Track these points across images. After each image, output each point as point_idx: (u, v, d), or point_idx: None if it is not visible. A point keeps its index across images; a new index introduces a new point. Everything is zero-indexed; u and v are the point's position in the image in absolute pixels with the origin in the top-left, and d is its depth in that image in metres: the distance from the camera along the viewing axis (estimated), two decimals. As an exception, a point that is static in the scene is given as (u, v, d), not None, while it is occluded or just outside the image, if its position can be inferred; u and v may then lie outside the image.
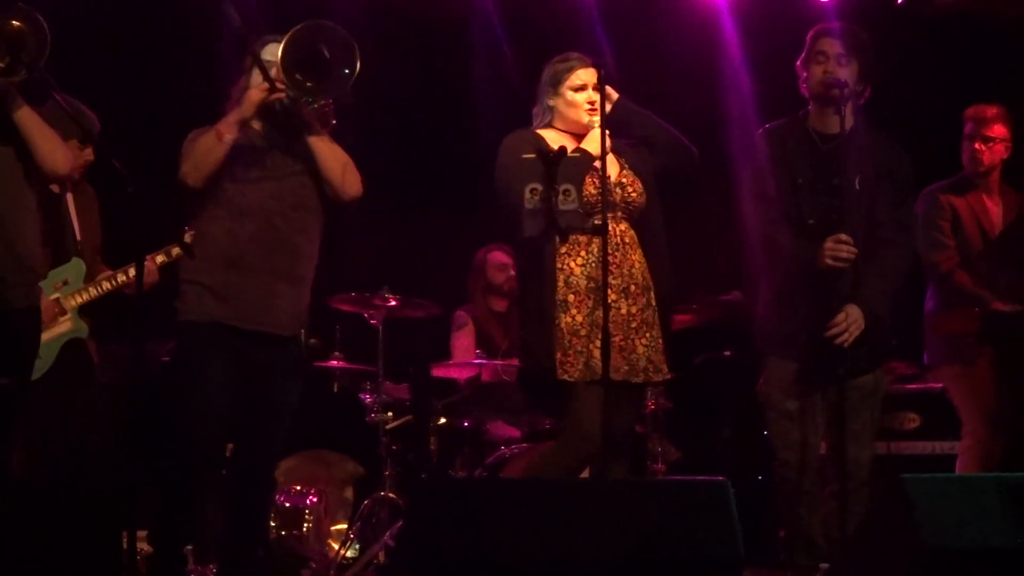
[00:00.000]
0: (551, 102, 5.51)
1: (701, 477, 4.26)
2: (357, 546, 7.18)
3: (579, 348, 5.25)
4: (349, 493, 7.83)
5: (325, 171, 5.48)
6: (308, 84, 5.30)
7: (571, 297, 5.31)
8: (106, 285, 6.05)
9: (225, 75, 5.70)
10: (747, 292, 6.86)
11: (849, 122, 5.55)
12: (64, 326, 5.90)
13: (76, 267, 5.97)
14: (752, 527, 4.30)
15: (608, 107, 5.35)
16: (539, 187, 5.21)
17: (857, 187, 5.54)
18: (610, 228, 5.23)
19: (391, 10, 8.34)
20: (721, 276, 7.70)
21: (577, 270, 5.33)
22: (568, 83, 5.46)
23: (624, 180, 5.42)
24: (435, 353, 7.87)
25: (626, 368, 5.31)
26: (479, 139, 5.80)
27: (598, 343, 5.18)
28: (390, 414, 7.36)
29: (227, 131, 5.32)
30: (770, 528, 5.85)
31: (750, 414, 6.61)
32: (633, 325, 5.34)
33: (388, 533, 6.86)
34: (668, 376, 5.49)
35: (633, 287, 5.35)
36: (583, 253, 5.34)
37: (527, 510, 4.08)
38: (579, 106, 5.44)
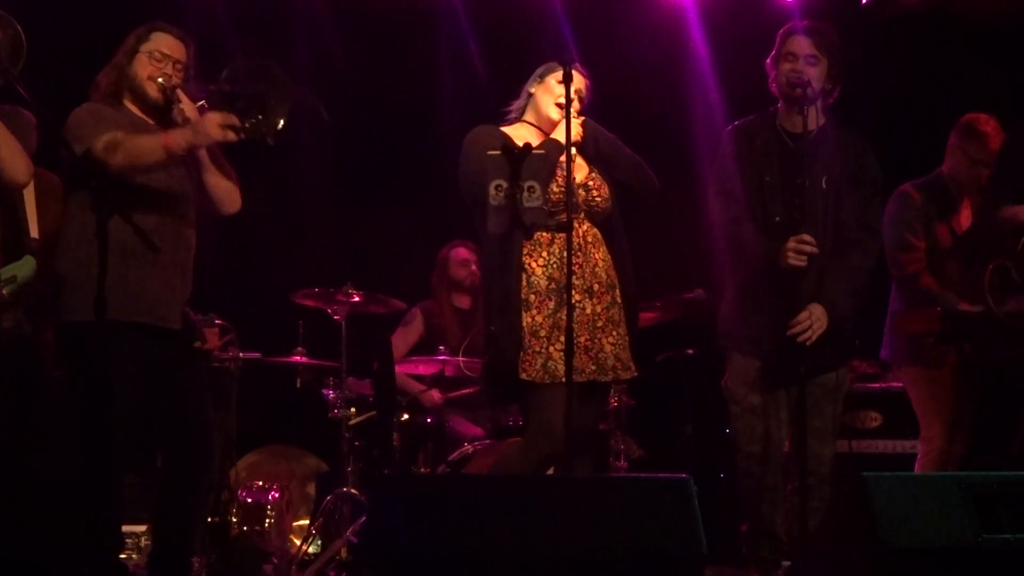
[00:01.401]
0: (532, 89, 5.57)
1: (664, 474, 4.26)
2: (319, 542, 7.16)
3: (537, 349, 5.27)
4: (311, 489, 7.82)
5: (212, 187, 5.43)
6: (256, 120, 5.19)
7: (532, 297, 5.32)
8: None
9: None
10: (711, 290, 6.88)
11: (818, 121, 5.59)
12: (7, 323, 5.83)
13: (26, 264, 5.88)
14: (714, 524, 4.30)
15: (576, 130, 5.35)
16: (504, 183, 5.22)
17: (824, 187, 5.56)
18: (574, 228, 5.23)
19: (356, 4, 8.33)
20: (684, 274, 7.71)
21: (538, 270, 5.35)
22: (555, 75, 5.48)
23: (591, 183, 5.44)
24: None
25: (592, 368, 5.33)
26: (444, 134, 5.80)
27: (559, 345, 5.22)
28: (353, 410, 7.34)
29: (178, 151, 5.18)
30: (732, 525, 5.86)
31: (712, 412, 6.64)
32: (599, 324, 5.36)
33: (350, 529, 6.85)
34: (636, 374, 5.51)
35: (597, 286, 5.37)
36: (544, 253, 5.36)
37: (490, 506, 4.08)
38: (553, 95, 5.47)
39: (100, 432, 5.11)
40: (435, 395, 7.63)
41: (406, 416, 7.49)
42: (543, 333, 5.29)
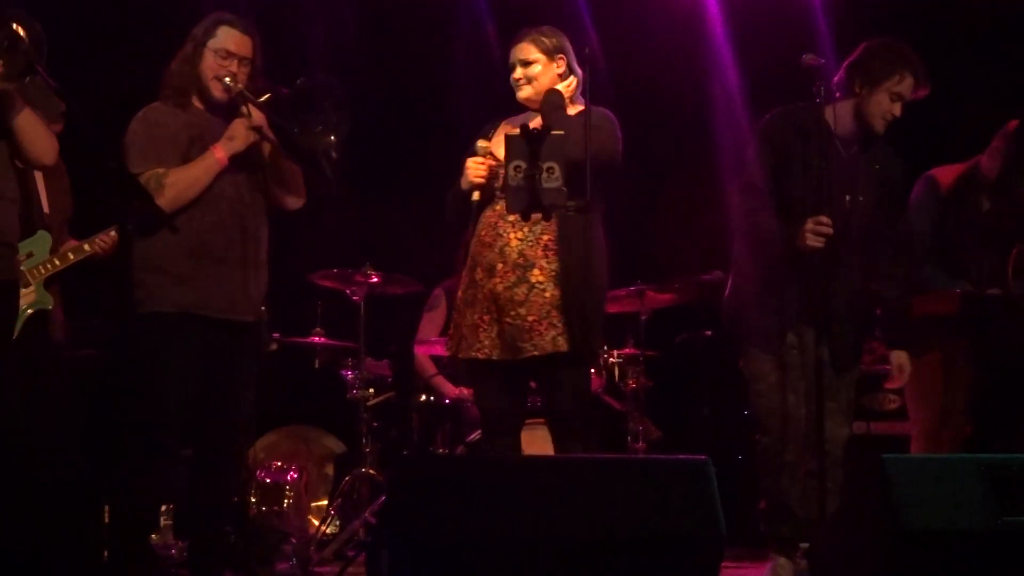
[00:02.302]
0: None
1: (683, 456, 4.26)
2: (337, 522, 7.19)
3: (456, 323, 5.49)
4: (330, 469, 7.84)
5: (277, 184, 5.49)
6: (313, 132, 5.29)
7: (464, 273, 5.51)
8: (71, 256, 6.05)
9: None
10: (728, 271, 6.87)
11: (867, 133, 5.66)
12: (28, 298, 5.87)
13: (42, 240, 5.94)
14: (732, 506, 4.30)
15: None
16: (523, 164, 5.23)
17: (866, 201, 5.64)
18: (494, 208, 5.41)
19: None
20: (701, 255, 7.71)
21: (471, 248, 5.49)
22: (509, 62, 5.57)
23: None
24: (416, 330, 7.87)
25: (497, 344, 5.37)
26: (462, 115, 5.80)
27: (467, 320, 5.42)
28: (371, 391, 7.36)
29: (224, 161, 5.30)
30: (750, 507, 5.86)
31: (730, 393, 6.63)
32: (500, 303, 5.36)
33: (368, 510, 6.87)
34: (562, 349, 5.35)
35: (501, 265, 5.37)
36: (474, 232, 5.48)
37: (509, 488, 4.08)
38: (513, 84, 5.55)
39: (149, 416, 5.23)
40: (448, 387, 7.62)
41: (424, 397, 7.50)
42: (460, 308, 5.47)
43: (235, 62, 5.37)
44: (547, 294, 5.34)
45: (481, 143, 5.48)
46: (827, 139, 5.59)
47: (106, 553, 4.93)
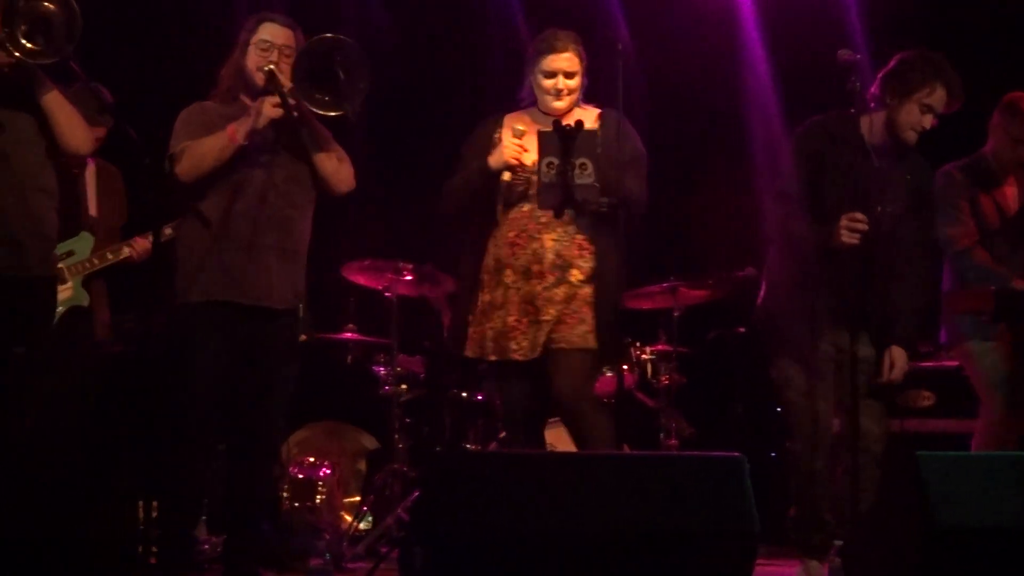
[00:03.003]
0: (531, 78, 5.63)
1: (717, 452, 4.26)
2: (370, 518, 7.19)
3: (479, 326, 5.48)
4: (362, 465, 7.84)
5: (319, 167, 5.50)
6: (324, 99, 5.29)
7: (485, 276, 5.49)
8: (109, 256, 6.10)
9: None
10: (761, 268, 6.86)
11: (899, 142, 5.69)
12: (64, 294, 5.92)
13: (84, 240, 6.01)
14: (765, 504, 4.29)
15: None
16: (555, 160, 5.24)
17: (899, 210, 5.69)
18: (521, 209, 5.41)
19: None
20: (735, 252, 7.69)
21: (491, 250, 5.50)
22: (540, 67, 5.55)
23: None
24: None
25: (525, 345, 5.40)
26: (495, 106, 5.80)
27: (494, 323, 5.42)
28: (404, 387, 7.36)
29: (242, 138, 5.31)
30: (782, 505, 5.86)
31: (763, 391, 6.60)
32: (537, 303, 5.39)
33: (401, 506, 6.88)
34: (592, 346, 5.43)
35: (536, 267, 5.41)
36: (496, 234, 5.49)
37: (542, 484, 4.08)
38: (547, 91, 5.54)
39: (184, 408, 5.28)
40: None
41: (457, 393, 7.50)
42: (486, 311, 5.45)
43: (276, 52, 5.44)
44: (584, 291, 5.35)
45: (519, 126, 5.47)
46: (860, 147, 5.64)
47: (141, 548, 4.94)
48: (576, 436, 5.49)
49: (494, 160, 5.45)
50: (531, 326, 5.39)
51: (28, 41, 4.77)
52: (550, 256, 5.40)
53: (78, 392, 5.98)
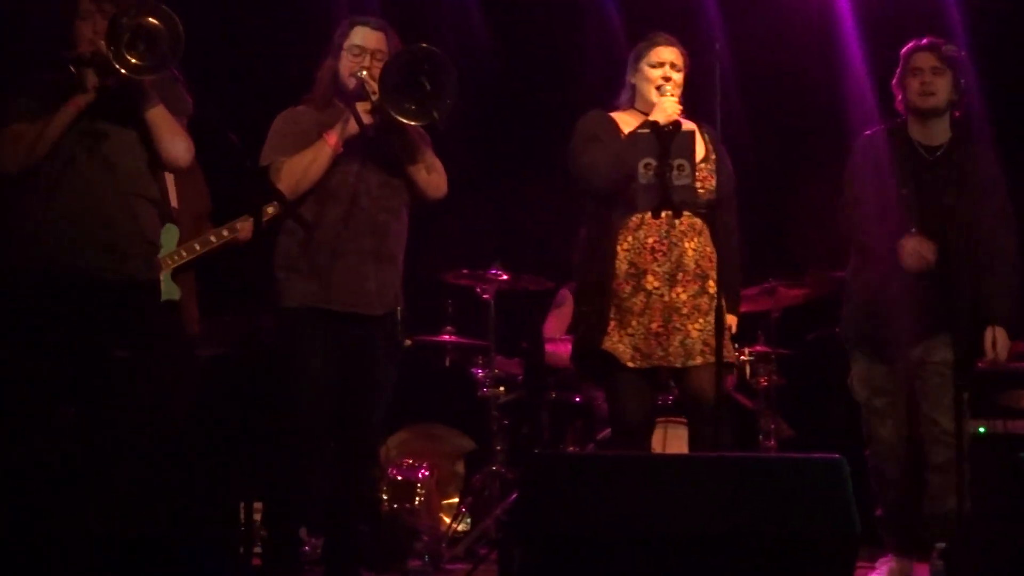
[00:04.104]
0: (632, 80, 5.61)
1: (817, 454, 4.22)
2: (468, 520, 7.21)
3: (612, 332, 5.39)
4: (460, 467, 7.86)
5: (411, 173, 5.52)
6: (411, 108, 5.31)
7: (615, 281, 5.42)
8: (197, 248, 6.12)
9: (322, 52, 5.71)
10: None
11: (947, 135, 5.82)
12: None
13: (169, 232, 6.00)
14: (865, 505, 4.26)
15: (676, 108, 5.42)
16: (653, 162, 5.22)
17: (961, 198, 5.73)
18: (666, 213, 5.31)
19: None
20: (835, 251, 7.62)
21: (622, 254, 5.43)
22: (646, 59, 5.54)
23: (697, 173, 5.41)
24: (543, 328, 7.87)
25: (660, 354, 5.36)
26: (589, 111, 5.79)
27: (629, 330, 5.36)
28: (502, 389, 7.38)
29: (338, 146, 5.39)
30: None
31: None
32: (684, 311, 5.37)
33: (499, 507, 6.89)
34: (731, 359, 5.57)
35: (681, 275, 5.39)
36: (629, 238, 5.43)
37: (641, 486, 4.07)
38: (652, 81, 5.51)
39: (292, 409, 5.35)
40: None
41: (554, 395, 7.50)
42: (622, 317, 5.38)
43: (368, 57, 5.47)
44: (716, 302, 5.35)
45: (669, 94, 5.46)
46: (913, 150, 5.81)
47: (243, 549, 4.98)
48: (706, 446, 5.42)
49: (662, 117, 5.34)
50: (673, 332, 5.36)
51: (133, 56, 4.83)
52: (691, 265, 5.39)
53: (177, 391, 6.01)
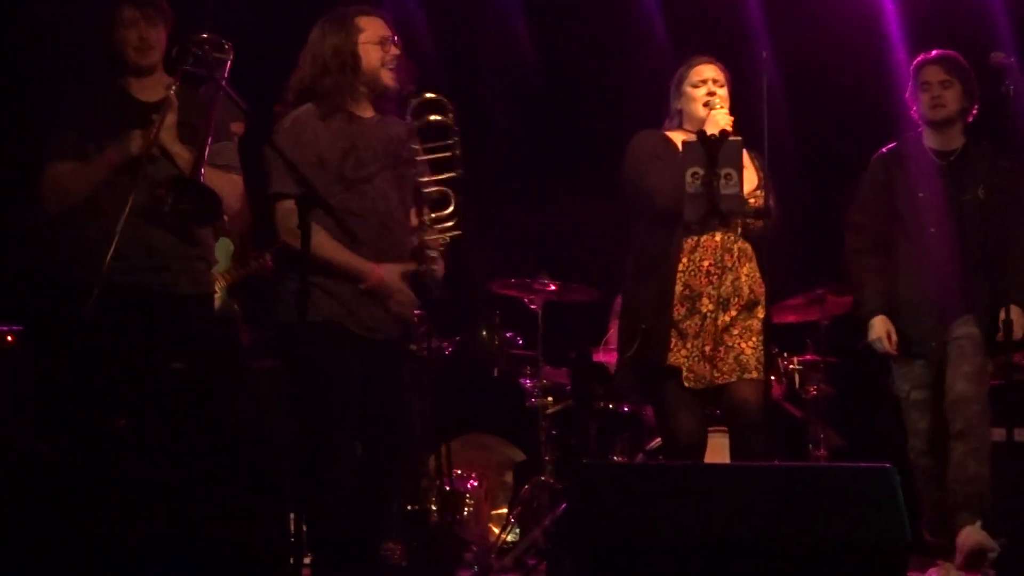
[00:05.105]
0: (677, 105, 5.60)
1: (867, 463, 4.21)
2: (517, 530, 7.20)
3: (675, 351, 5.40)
4: (509, 477, 7.86)
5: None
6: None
7: (673, 303, 5.41)
8: (254, 265, 6.12)
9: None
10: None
11: (961, 140, 6.03)
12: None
13: (224, 246, 5.98)
14: (914, 514, 4.25)
15: (727, 119, 5.42)
16: (700, 171, 5.21)
17: (980, 197, 5.92)
18: (721, 237, 5.38)
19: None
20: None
21: (677, 275, 5.41)
22: (688, 80, 5.55)
23: (752, 199, 5.40)
24: (594, 338, 7.86)
25: (715, 375, 5.36)
26: (636, 121, 5.79)
27: (683, 351, 5.37)
28: (550, 399, 7.37)
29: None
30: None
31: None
32: (735, 331, 5.39)
33: (548, 518, 6.88)
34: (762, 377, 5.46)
35: (736, 299, 5.40)
36: (684, 259, 5.42)
37: (690, 495, 4.07)
38: (698, 99, 5.49)
39: (317, 421, 5.13)
40: None
41: (603, 405, 7.50)
42: (678, 339, 5.38)
43: (391, 45, 5.29)
44: (764, 327, 5.35)
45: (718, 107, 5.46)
46: (925, 155, 6.03)
47: (292, 560, 4.98)
48: (748, 456, 5.40)
49: (710, 127, 5.32)
50: (727, 352, 5.35)
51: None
52: (745, 290, 5.40)
53: (233, 402, 6.01)
